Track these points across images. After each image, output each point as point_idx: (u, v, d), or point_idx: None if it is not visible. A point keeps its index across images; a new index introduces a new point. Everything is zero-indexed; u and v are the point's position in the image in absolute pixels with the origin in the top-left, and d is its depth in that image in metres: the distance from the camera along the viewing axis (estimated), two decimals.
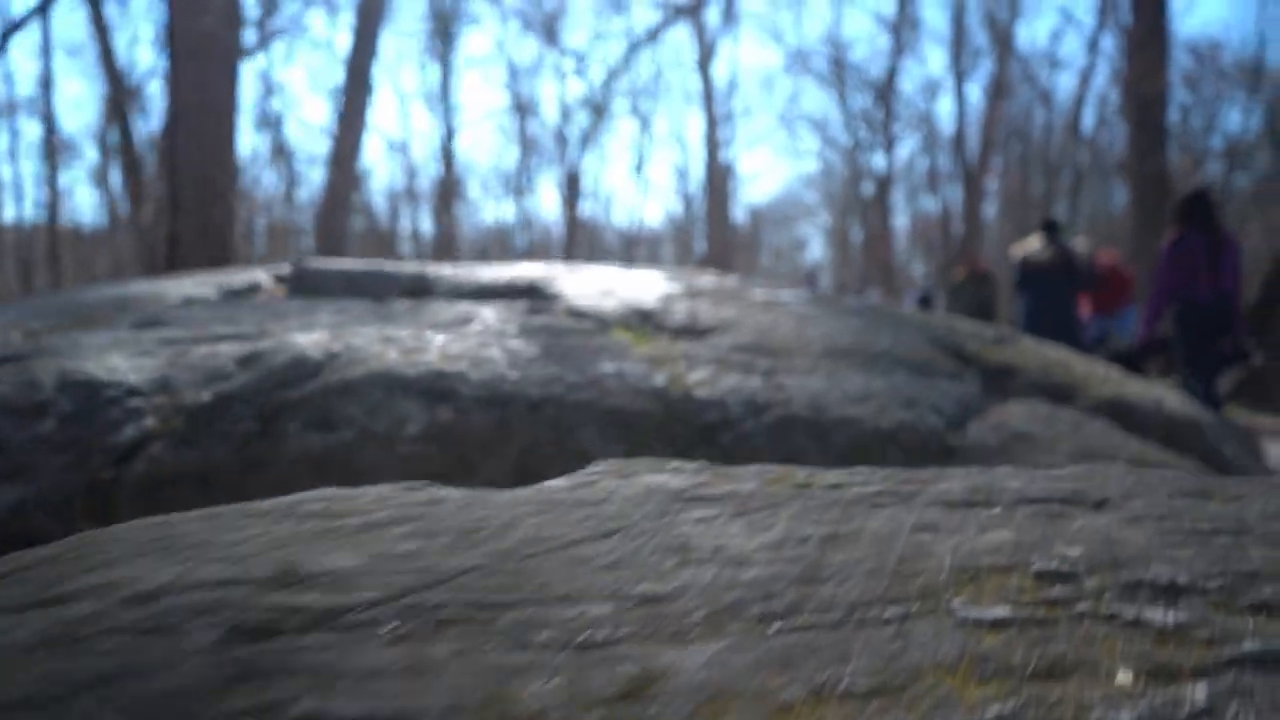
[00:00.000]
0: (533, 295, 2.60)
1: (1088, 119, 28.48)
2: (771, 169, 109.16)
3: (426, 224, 32.52)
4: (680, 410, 1.70)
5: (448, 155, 31.40)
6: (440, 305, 2.29)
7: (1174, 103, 17.08)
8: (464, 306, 2.23)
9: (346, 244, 19.68)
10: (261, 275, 2.64)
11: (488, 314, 2.09)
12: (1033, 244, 8.41)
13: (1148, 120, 15.19)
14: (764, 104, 62.16)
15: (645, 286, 2.87)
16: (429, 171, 31.17)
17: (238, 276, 2.64)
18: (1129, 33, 16.28)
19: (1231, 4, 51.84)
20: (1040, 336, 8.01)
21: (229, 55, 9.55)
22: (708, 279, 3.07)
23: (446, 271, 2.81)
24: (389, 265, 2.77)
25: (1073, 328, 7.88)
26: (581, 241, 29.02)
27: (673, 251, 38.28)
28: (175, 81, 9.06)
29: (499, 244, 28.70)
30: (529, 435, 1.54)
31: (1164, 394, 3.17)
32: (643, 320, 2.42)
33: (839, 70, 36.94)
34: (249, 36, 21.61)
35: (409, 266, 2.81)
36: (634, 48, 17.62)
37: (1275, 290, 10.69)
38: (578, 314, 2.30)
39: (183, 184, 8.61)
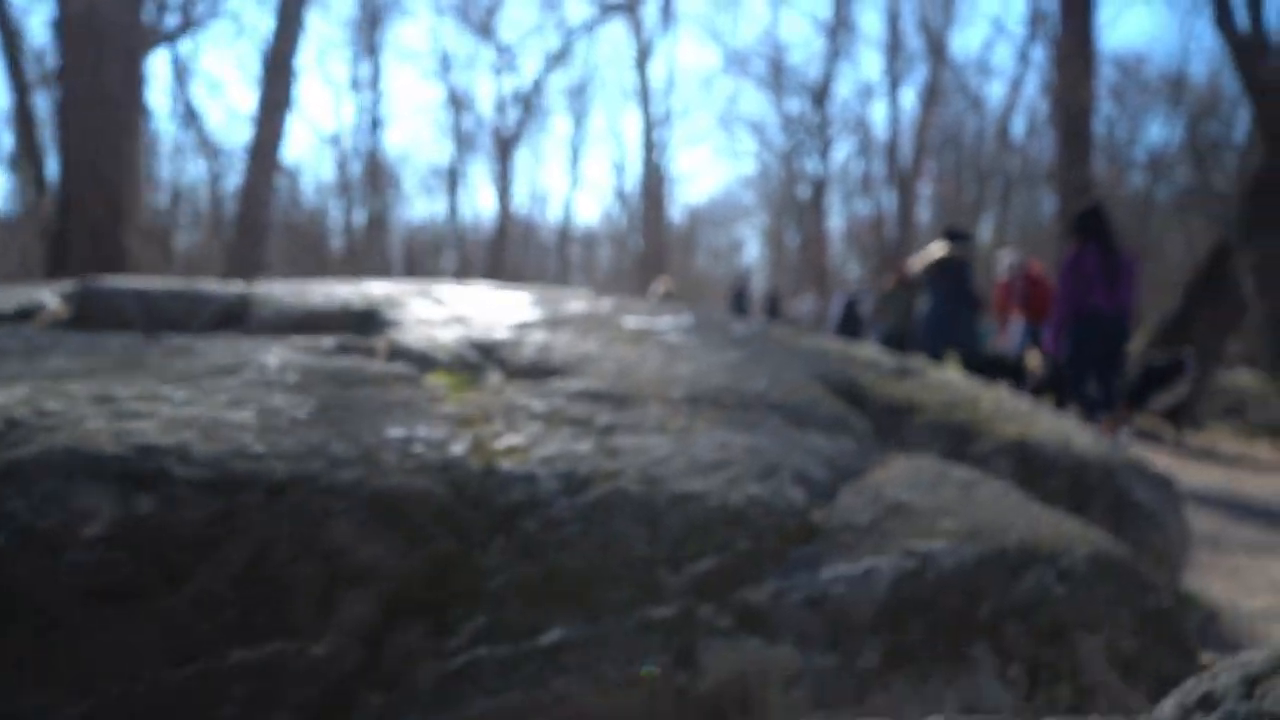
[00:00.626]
0: (363, 325, 2.25)
1: (1018, 127, 28.78)
2: (710, 169, 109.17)
3: (360, 218, 31.79)
4: (476, 490, 1.37)
5: (376, 148, 30.68)
6: (234, 343, 1.93)
7: (1100, 114, 17.20)
8: (255, 344, 1.87)
9: (269, 237, 19.00)
10: (47, 295, 2.26)
11: (273, 356, 1.74)
12: (936, 252, 8.31)
13: (1074, 132, 15.25)
14: (703, 104, 62.11)
15: (504, 312, 2.53)
16: (361, 164, 30.41)
17: (16, 295, 2.25)
18: (1057, 45, 16.36)
19: (1156, 19, 53.05)
20: (936, 343, 8.02)
21: (127, 39, 8.95)
22: (580, 303, 2.74)
23: (276, 293, 2.45)
24: (205, 287, 2.39)
25: (966, 335, 7.81)
26: (515, 238, 28.56)
27: (609, 251, 37.90)
28: (65, 67, 8.47)
29: (432, 239, 28.09)
30: (263, 531, 1.20)
31: (1073, 431, 2.93)
32: (483, 357, 2.08)
33: (776, 73, 36.91)
34: (169, 20, 20.79)
35: (231, 288, 2.43)
36: (567, 42, 17.25)
37: (1195, 302, 10.69)
38: (400, 352, 1.95)
39: (70, 179, 8.04)
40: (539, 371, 2.04)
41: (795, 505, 1.54)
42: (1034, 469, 2.61)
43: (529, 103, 18.45)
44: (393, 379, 1.73)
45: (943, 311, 7.94)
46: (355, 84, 29.61)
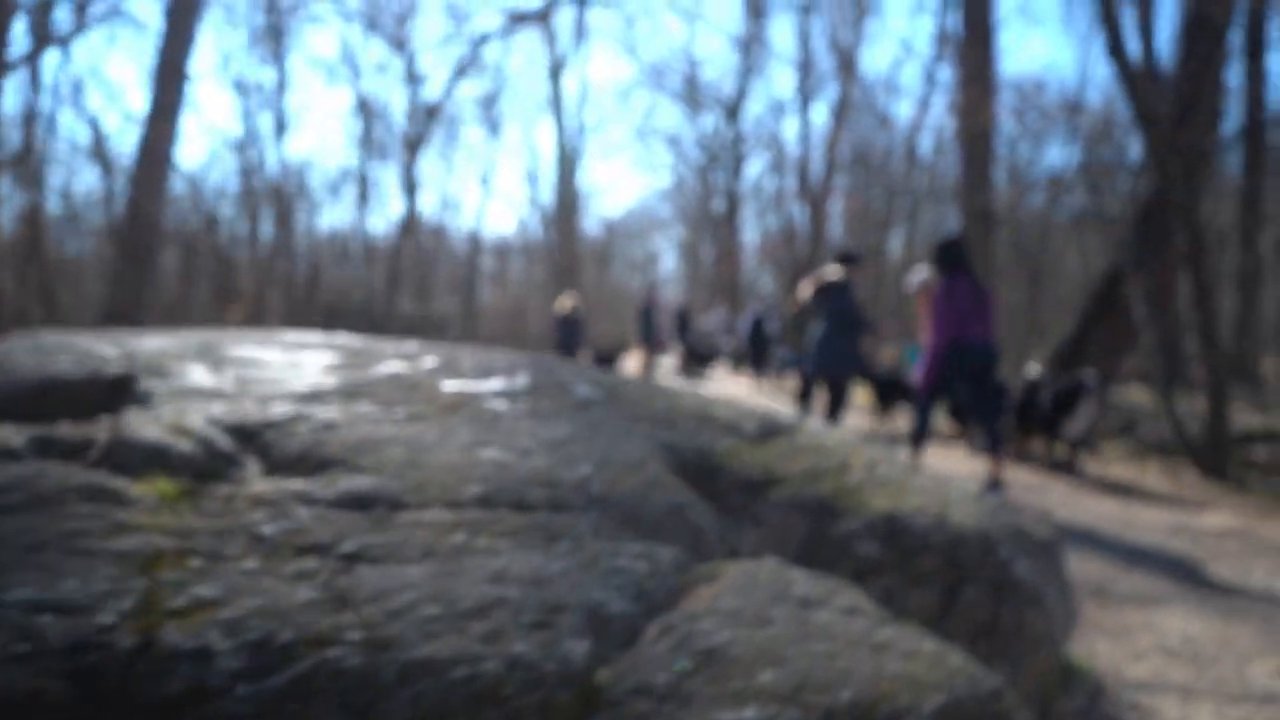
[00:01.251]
0: (114, 397, 1.85)
1: (926, 145, 29.21)
2: (626, 182, 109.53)
3: (267, 226, 30.73)
4: (115, 682, 1.00)
5: (283, 156, 29.67)
6: None
7: (1004, 135, 17.43)
8: None
9: (158, 246, 18.09)
10: None
11: None
12: (830, 274, 8.14)
13: (975, 154, 15.38)
14: (619, 118, 62.06)
15: (296, 377, 2.15)
16: (266, 173, 29.34)
17: None
18: (959, 68, 16.52)
19: (1056, 45, 54.76)
20: (817, 369, 7.94)
21: None
22: (396, 363, 2.38)
23: (15, 355, 2.03)
24: None
25: (847, 360, 7.67)
26: (424, 248, 27.86)
27: (524, 262, 37.32)
28: None
29: (339, 249, 27.20)
30: None
31: (953, 497, 2.66)
32: (241, 445, 1.71)
33: (691, 87, 36.91)
34: (61, 20, 19.71)
35: None
36: (475, 50, 16.80)
37: (1090, 325, 10.75)
38: (121, 446, 1.57)
39: None
40: (309, 464, 1.67)
41: (573, 665, 1.20)
42: (905, 548, 2.33)
43: (436, 111, 17.91)
44: (82, 494, 1.35)
45: (823, 336, 7.83)
46: (260, 90, 28.64)
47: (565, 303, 17.80)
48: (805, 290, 8.29)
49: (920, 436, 6.59)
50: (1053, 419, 7.61)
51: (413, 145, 21.25)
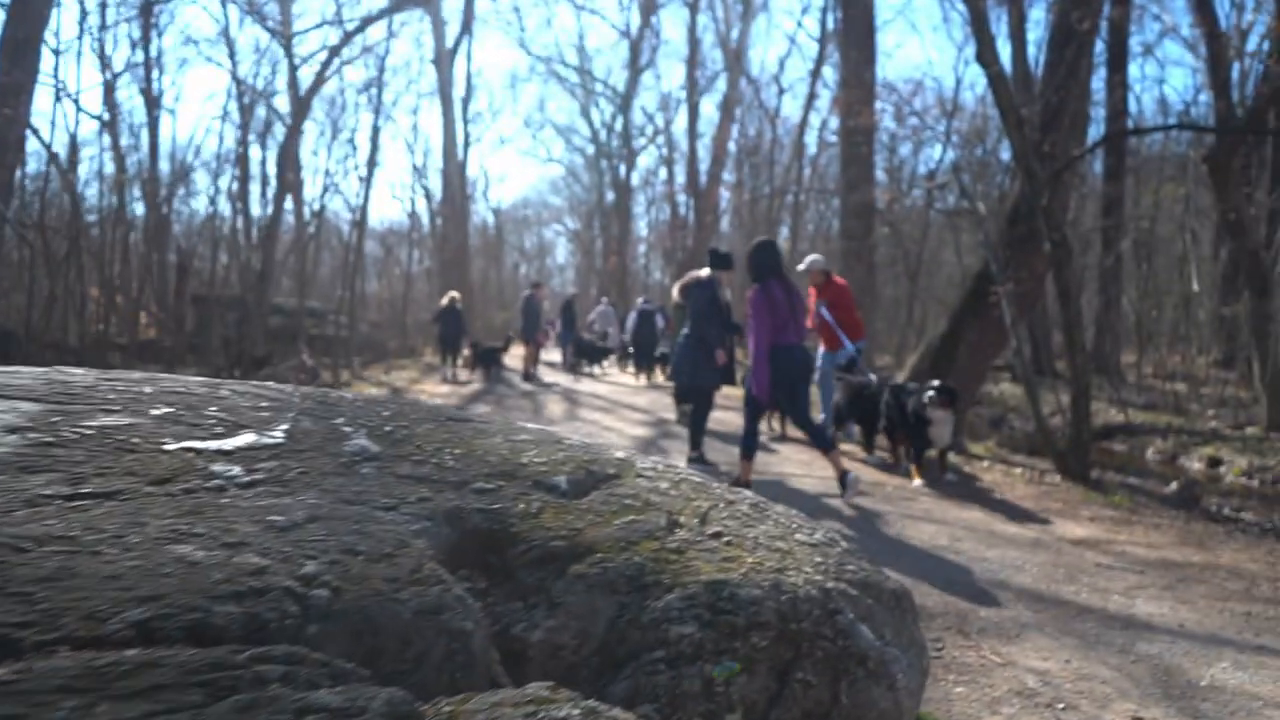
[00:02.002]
0: None
1: (811, 142, 29.43)
2: (518, 171, 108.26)
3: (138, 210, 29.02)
4: None
5: (154, 137, 28.00)
6: None
7: (884, 135, 17.55)
8: None
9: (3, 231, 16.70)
10: None
11: None
12: (698, 275, 8.03)
13: (855, 154, 15.41)
14: (510, 106, 61.02)
15: None
16: (139, 155, 27.63)
17: None
18: (841, 68, 16.54)
19: (935, 47, 56.22)
20: (679, 371, 7.78)
21: None
22: (115, 415, 1.91)
23: None
24: None
25: (701, 370, 7.56)
26: (306, 237, 26.70)
27: (412, 251, 36.26)
28: None
29: (215, 235, 25.78)
30: None
31: (791, 552, 2.34)
32: None
33: (583, 79, 36.39)
34: None
35: None
36: (356, 31, 15.99)
37: (963, 323, 10.75)
38: None
39: None
40: None
41: None
42: (731, 626, 1.99)
43: (314, 93, 17.03)
44: None
45: (681, 344, 7.68)
46: (131, 68, 26.94)
47: (444, 301, 17.41)
48: (675, 290, 8.12)
49: (751, 449, 6.50)
50: (915, 427, 7.47)
51: (292, 129, 20.20)
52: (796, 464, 8.09)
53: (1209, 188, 16.20)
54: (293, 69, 19.72)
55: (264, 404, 2.18)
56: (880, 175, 20.99)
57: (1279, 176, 17.54)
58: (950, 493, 7.05)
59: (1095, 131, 14.12)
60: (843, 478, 6.09)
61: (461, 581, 1.82)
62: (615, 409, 12.25)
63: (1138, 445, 12.34)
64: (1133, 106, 17.96)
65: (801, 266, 9.36)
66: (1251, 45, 15.28)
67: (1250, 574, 4.76)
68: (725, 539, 2.27)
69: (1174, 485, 8.74)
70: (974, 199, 10.44)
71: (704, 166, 29.22)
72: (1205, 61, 14.01)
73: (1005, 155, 15.32)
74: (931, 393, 7.18)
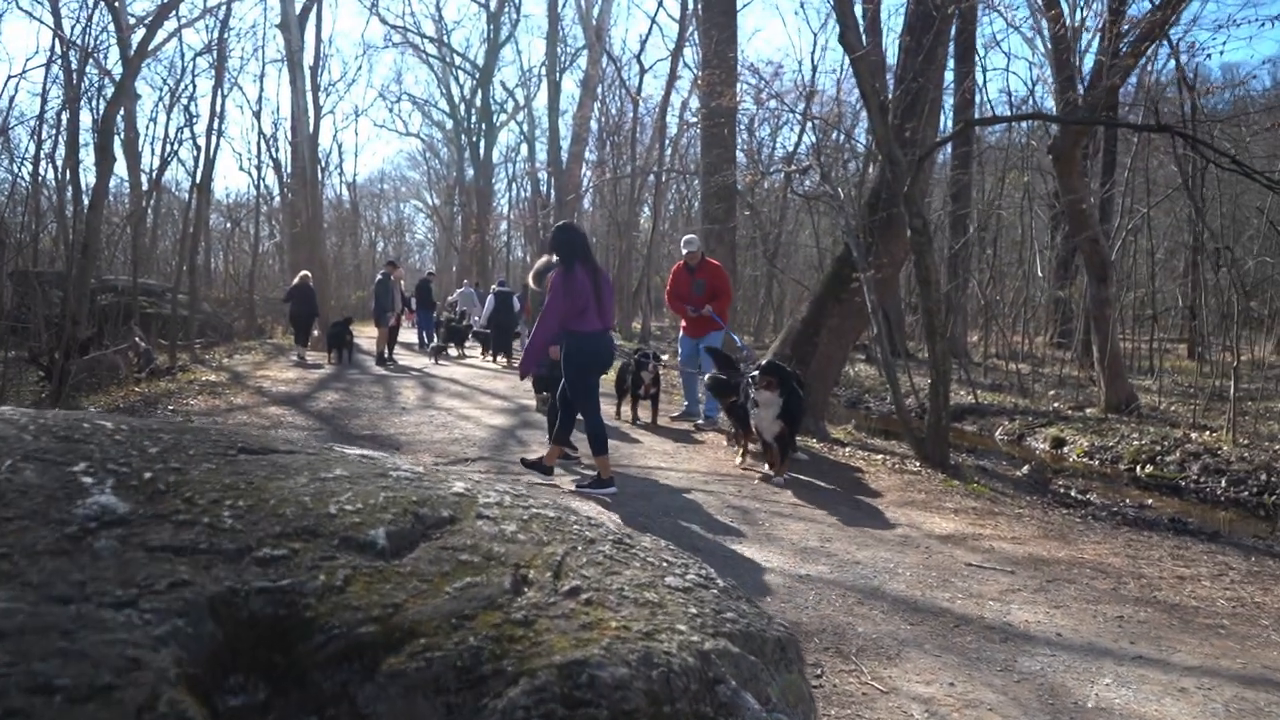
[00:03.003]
0: None
1: (672, 123, 29.22)
2: (375, 145, 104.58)
3: None
4: None
5: None
6: None
7: (744, 115, 17.42)
8: None
9: None
10: None
11: None
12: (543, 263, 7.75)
13: (717, 135, 15.21)
14: (366, 77, 58.57)
15: None
16: None
17: None
18: (702, 48, 16.28)
19: (794, 30, 57.06)
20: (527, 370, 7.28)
21: None
22: None
23: None
24: None
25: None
26: (140, 208, 24.76)
27: (264, 227, 34.31)
28: None
29: (30, 206, 23.54)
30: None
31: (652, 630, 1.94)
32: None
33: (441, 51, 35.11)
34: None
35: None
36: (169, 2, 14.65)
37: (823, 308, 10.66)
38: None
39: None
40: None
41: None
42: (590, 717, 1.59)
43: (144, 50, 15.59)
44: None
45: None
46: None
47: (300, 275, 16.52)
48: (530, 276, 7.77)
49: (603, 444, 6.07)
50: (740, 410, 7.19)
51: (119, 88, 18.49)
52: (660, 455, 7.78)
53: (1049, 176, 16.82)
54: (120, 25, 18.05)
55: None
56: (740, 157, 20.95)
57: (1110, 168, 18.42)
58: (812, 488, 6.87)
59: (944, 121, 14.37)
60: (606, 481, 5.94)
61: (229, 697, 1.34)
62: (473, 395, 11.69)
63: (986, 426, 12.65)
64: (977, 97, 18.40)
65: (685, 250, 9.11)
66: (1087, 41, 15.87)
67: (1115, 570, 4.70)
68: (584, 596, 1.86)
69: (1025, 469, 8.88)
70: (834, 184, 10.32)
71: (565, 145, 28.63)
72: (1048, 56, 14.40)
73: (861, 140, 15.47)
74: (755, 372, 6.80)
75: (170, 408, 9.33)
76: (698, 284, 8.87)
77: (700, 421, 9.43)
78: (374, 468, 2.18)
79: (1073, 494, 8.07)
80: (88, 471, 1.64)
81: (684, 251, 9.12)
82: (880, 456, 8.49)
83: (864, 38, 9.28)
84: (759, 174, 15.62)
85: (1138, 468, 9.83)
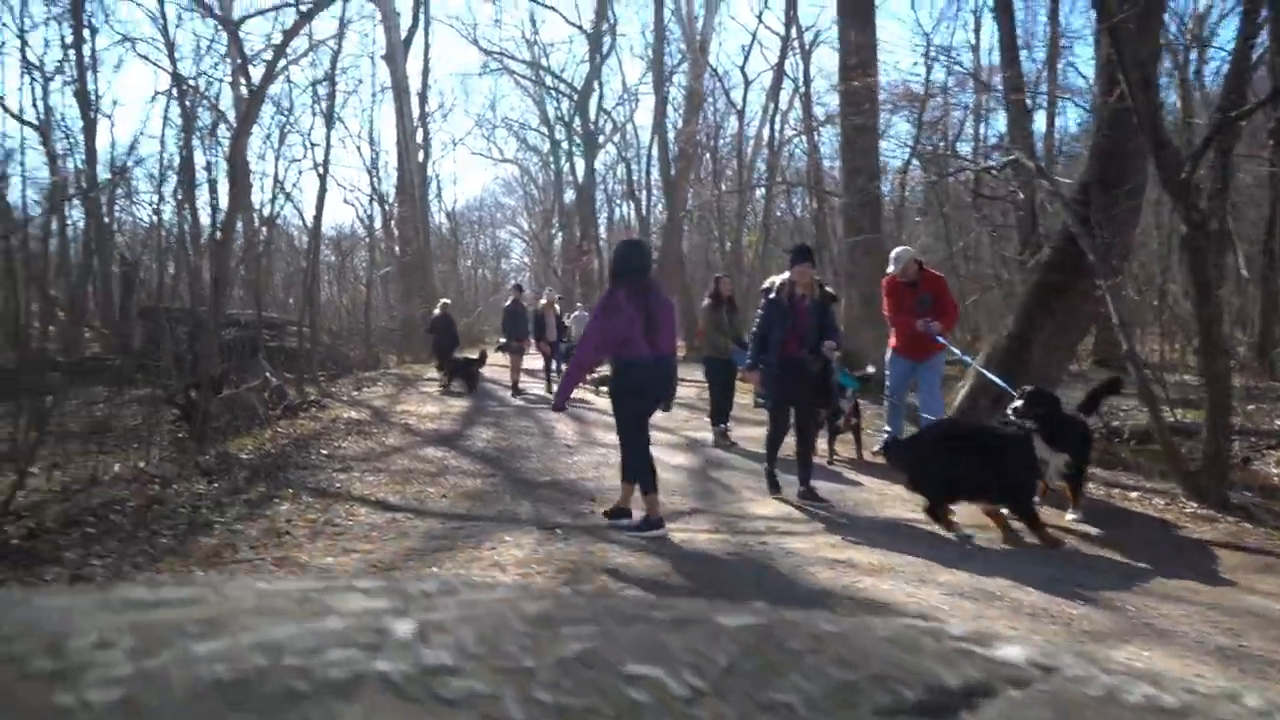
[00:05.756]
0: None
1: (776, 134, 27.97)
2: (470, 173, 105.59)
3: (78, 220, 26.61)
4: None
5: (90, 141, 25.51)
6: None
7: (885, 112, 16.07)
8: None
9: None
10: None
11: None
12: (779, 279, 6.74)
13: (858, 142, 13.88)
14: (463, 105, 58.67)
15: None
16: (76, 160, 25.12)
17: None
18: (841, 52, 14.99)
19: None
20: (788, 385, 6.13)
21: None
22: None
23: None
24: None
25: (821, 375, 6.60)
26: (258, 244, 24.48)
27: (371, 255, 33.97)
28: None
29: (159, 243, 23.44)
30: None
31: None
32: None
33: (538, 75, 34.48)
34: None
35: None
36: (310, 14, 14.02)
37: (1030, 321, 9.19)
38: None
39: None
40: None
41: None
42: None
43: (263, 90, 15.00)
44: None
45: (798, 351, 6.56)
46: (64, 68, 24.43)
47: (440, 304, 16.17)
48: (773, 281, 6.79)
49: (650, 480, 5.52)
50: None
51: (241, 128, 18.02)
52: (898, 501, 6.49)
53: None
54: (240, 57, 17.57)
55: None
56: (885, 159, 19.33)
57: None
58: (1108, 538, 5.51)
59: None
60: (646, 521, 5.41)
61: None
62: None
63: (1194, 448, 10.98)
64: None
65: (893, 268, 7.85)
66: None
67: None
68: None
69: None
70: (1051, 177, 8.92)
71: (668, 162, 27.51)
72: None
73: (1072, 127, 13.94)
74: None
75: (324, 451, 8.38)
76: (922, 299, 7.55)
77: (875, 449, 8.30)
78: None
79: None
80: None
81: (890, 269, 7.82)
82: (1134, 493, 7.07)
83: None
84: (937, 174, 14.12)
85: None
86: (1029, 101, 13.99)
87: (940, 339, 7.44)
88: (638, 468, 5.50)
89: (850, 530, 5.54)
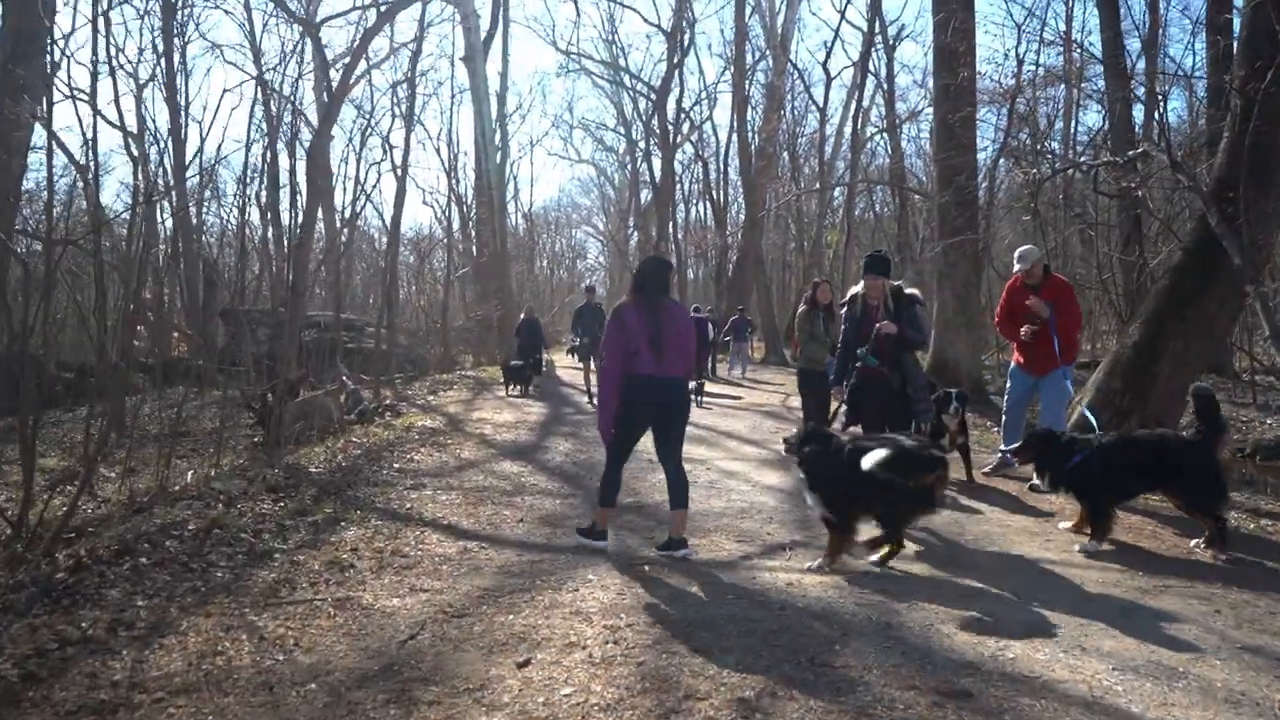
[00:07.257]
0: None
1: (858, 131, 26.89)
2: (546, 174, 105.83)
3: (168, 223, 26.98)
4: None
5: (180, 147, 25.86)
6: None
7: (989, 111, 15.07)
8: None
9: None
10: None
11: None
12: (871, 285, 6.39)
13: (955, 140, 12.93)
14: (541, 106, 58.54)
15: None
16: (167, 167, 25.45)
17: None
18: (934, 49, 14.07)
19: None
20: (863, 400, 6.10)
21: None
22: None
23: None
24: None
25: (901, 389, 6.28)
26: (337, 245, 24.50)
27: (448, 256, 33.95)
28: None
29: (241, 249, 23.58)
30: None
31: None
32: None
33: (616, 74, 33.98)
34: None
35: None
36: (389, 14, 13.72)
37: (1159, 331, 8.27)
38: None
39: None
40: None
41: None
42: None
43: (345, 88, 14.77)
44: None
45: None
46: (156, 78, 24.80)
47: (526, 307, 16.14)
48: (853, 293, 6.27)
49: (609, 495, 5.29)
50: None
51: (320, 131, 17.88)
52: (1023, 534, 5.71)
53: None
54: (321, 59, 17.41)
55: None
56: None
57: None
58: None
59: None
60: (600, 533, 5.27)
61: None
62: (716, 440, 9.92)
63: None
64: None
65: (1018, 266, 7.07)
66: None
67: None
68: None
69: None
70: (1190, 172, 7.98)
71: (748, 160, 26.69)
72: None
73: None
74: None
75: (396, 465, 7.92)
76: (1048, 306, 6.76)
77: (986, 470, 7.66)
78: None
79: None
80: None
81: (1016, 268, 7.04)
82: (1265, 519, 6.18)
83: None
84: (1047, 173, 13.12)
85: None
86: (1132, 94, 12.92)
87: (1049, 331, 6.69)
88: (605, 479, 5.29)
89: (976, 573, 4.81)
